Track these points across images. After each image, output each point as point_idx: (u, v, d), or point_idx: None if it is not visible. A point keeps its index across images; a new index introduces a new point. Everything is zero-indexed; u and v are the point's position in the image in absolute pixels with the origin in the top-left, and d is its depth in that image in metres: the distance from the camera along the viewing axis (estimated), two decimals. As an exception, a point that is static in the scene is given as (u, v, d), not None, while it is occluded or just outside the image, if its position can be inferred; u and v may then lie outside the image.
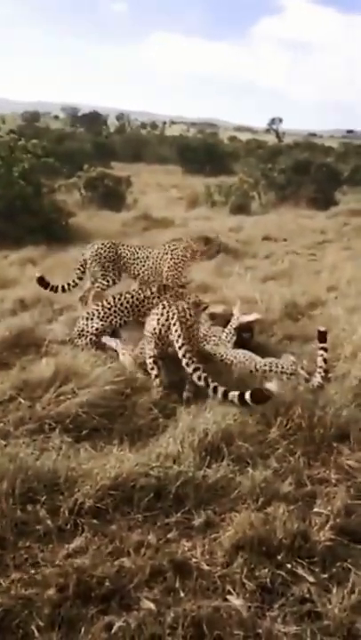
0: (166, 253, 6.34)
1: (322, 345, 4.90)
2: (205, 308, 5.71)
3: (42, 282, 6.34)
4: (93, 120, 57.27)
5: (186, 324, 4.46)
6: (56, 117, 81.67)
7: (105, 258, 6.38)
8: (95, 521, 3.05)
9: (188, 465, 3.41)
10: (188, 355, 4.29)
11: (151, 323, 4.59)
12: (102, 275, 6.32)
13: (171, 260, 6.26)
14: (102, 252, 6.40)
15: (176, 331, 4.38)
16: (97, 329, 5.42)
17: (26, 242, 9.88)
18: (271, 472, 3.47)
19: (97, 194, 14.67)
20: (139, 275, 6.38)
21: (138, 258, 6.39)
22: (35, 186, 11.25)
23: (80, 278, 6.40)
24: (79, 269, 6.46)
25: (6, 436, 3.71)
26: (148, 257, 6.38)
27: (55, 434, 3.75)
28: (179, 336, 4.35)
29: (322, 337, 4.91)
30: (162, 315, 4.52)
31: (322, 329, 4.97)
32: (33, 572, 2.74)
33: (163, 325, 4.49)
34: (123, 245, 6.54)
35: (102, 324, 5.43)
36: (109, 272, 6.33)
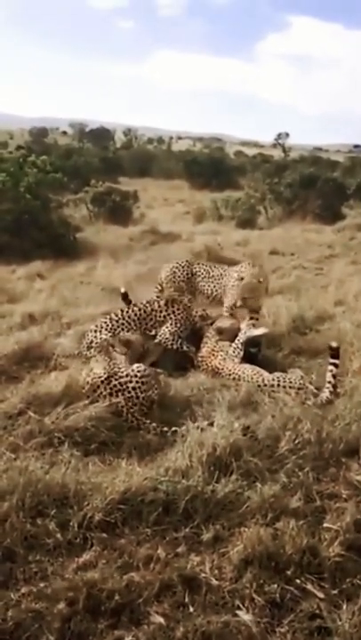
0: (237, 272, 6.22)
1: (332, 360, 4.92)
2: (212, 323, 5.76)
3: (125, 298, 6.42)
4: (101, 135, 57.86)
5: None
6: (64, 133, 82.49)
7: (179, 277, 6.43)
8: (104, 535, 3.07)
9: (197, 479, 3.42)
10: None
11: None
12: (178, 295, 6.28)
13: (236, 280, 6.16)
14: (177, 271, 6.46)
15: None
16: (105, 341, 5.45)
17: (34, 256, 9.97)
18: (280, 487, 3.48)
19: (104, 208, 14.76)
20: (212, 293, 6.39)
21: (212, 276, 6.41)
22: (42, 201, 11.36)
23: (158, 297, 6.30)
24: (156, 288, 6.57)
25: (16, 450, 3.74)
26: (221, 275, 6.38)
27: (64, 447, 3.78)
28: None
29: (334, 352, 4.94)
30: None
31: (334, 345, 5.00)
32: (43, 585, 2.75)
33: None
34: (198, 264, 6.59)
35: (110, 337, 5.46)
36: (184, 292, 6.31)
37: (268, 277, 6.38)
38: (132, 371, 4.57)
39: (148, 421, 4.27)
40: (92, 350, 5.31)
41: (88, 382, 4.51)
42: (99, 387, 4.44)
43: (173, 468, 3.53)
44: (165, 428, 4.17)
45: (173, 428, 4.12)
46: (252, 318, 5.88)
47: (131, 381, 4.47)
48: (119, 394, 4.40)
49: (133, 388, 4.44)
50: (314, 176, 18.13)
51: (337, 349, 4.97)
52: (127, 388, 4.43)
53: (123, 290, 6.57)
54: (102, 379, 4.47)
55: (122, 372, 4.55)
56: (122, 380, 4.47)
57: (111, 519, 3.14)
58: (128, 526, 3.15)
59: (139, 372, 4.56)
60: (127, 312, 5.76)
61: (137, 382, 4.47)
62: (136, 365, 4.68)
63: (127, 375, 4.52)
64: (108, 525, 3.13)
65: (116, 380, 4.46)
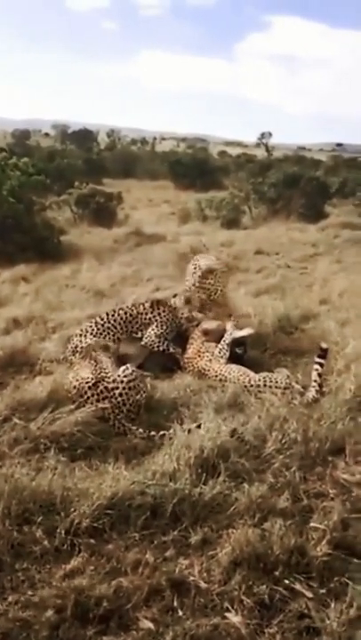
0: None
1: (318, 359, 4.95)
2: (198, 324, 5.76)
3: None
4: (84, 137, 57.56)
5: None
6: (47, 135, 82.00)
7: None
8: (92, 541, 3.06)
9: (185, 482, 3.42)
10: None
11: None
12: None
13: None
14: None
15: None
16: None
17: (18, 259, 9.91)
18: (267, 487, 3.49)
19: (88, 210, 14.70)
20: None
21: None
22: (26, 204, 11.28)
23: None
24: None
25: (1, 457, 3.71)
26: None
27: (50, 453, 3.76)
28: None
29: (323, 353, 4.97)
30: None
31: (324, 346, 5.04)
32: (30, 593, 2.73)
33: None
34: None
35: (96, 341, 5.45)
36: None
37: (228, 270, 6.40)
38: (119, 376, 4.55)
39: (134, 427, 4.26)
40: (78, 354, 5.30)
41: (75, 387, 4.50)
42: (86, 392, 4.42)
43: (161, 471, 3.53)
44: (152, 432, 4.16)
45: (161, 432, 4.12)
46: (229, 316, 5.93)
47: (117, 387, 4.45)
48: (106, 400, 4.38)
49: (120, 394, 4.42)
50: (297, 175, 18.22)
51: (326, 350, 5.01)
52: (114, 394, 4.42)
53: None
54: (89, 383, 4.45)
55: (109, 377, 4.53)
56: (109, 385, 4.46)
57: (99, 525, 3.13)
58: (116, 531, 3.14)
59: (125, 376, 4.55)
60: (113, 315, 5.75)
61: (124, 388, 4.46)
62: (123, 369, 4.66)
63: (114, 381, 4.50)
64: (96, 531, 3.11)
65: (103, 385, 4.45)
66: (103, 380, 4.47)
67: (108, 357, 5.04)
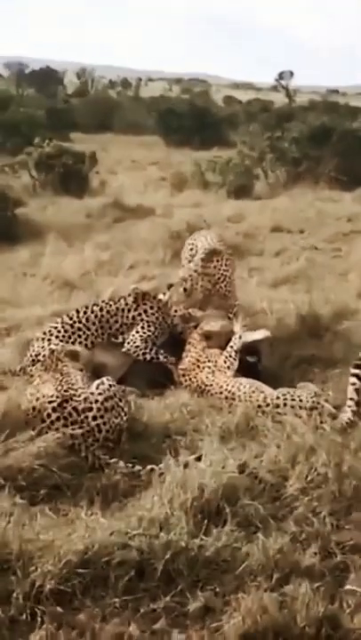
0: None
1: (355, 371, 4.96)
2: (197, 326, 5.77)
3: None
4: (46, 78, 57.44)
5: None
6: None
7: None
8: (59, 609, 3.05)
9: (180, 532, 3.42)
10: None
11: None
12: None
13: None
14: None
15: None
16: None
17: None
18: (289, 539, 3.49)
19: (52, 175, 14.68)
20: None
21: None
22: (-30, 167, 11.30)
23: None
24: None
25: None
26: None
27: (4, 494, 3.76)
28: None
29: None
30: None
31: None
32: None
33: None
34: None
35: (62, 347, 5.46)
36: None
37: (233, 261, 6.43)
38: (93, 393, 4.57)
39: (113, 460, 4.26)
40: (40, 364, 5.31)
41: (34, 407, 4.50)
42: (49, 414, 4.43)
43: (149, 517, 3.52)
44: (137, 467, 4.17)
45: (149, 467, 4.13)
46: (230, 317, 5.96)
47: (90, 408, 4.46)
48: (75, 425, 4.39)
49: (94, 418, 4.43)
50: (327, 127, 18.22)
51: None
52: (86, 417, 4.43)
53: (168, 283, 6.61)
54: (53, 403, 4.46)
55: (79, 395, 4.54)
56: (79, 406, 4.47)
57: (67, 588, 3.13)
58: (90, 596, 3.14)
59: (100, 393, 4.56)
60: (85, 313, 5.75)
61: (99, 409, 4.46)
62: (97, 383, 4.67)
63: (86, 399, 4.51)
64: (64, 596, 3.11)
65: (70, 405, 4.45)
66: (71, 399, 4.49)
67: (78, 369, 5.05)
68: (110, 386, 4.67)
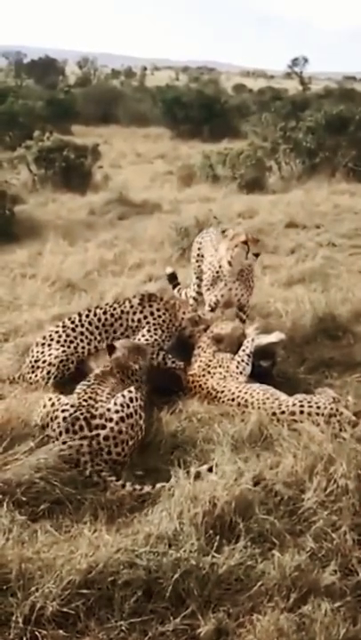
0: None
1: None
2: (207, 328, 5.76)
3: (173, 280, 6.98)
4: (46, 68, 57.78)
5: None
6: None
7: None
8: (61, 632, 3.05)
9: (190, 549, 3.41)
10: None
11: None
12: None
13: None
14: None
15: None
16: (57, 358, 5.44)
17: None
18: (307, 556, 3.48)
19: (53, 170, 14.71)
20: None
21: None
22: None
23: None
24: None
25: None
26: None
27: (3, 510, 3.75)
28: None
29: None
30: None
31: None
32: None
33: None
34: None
35: (64, 352, 5.46)
36: None
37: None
38: (109, 410, 4.48)
39: (120, 482, 4.18)
40: (40, 371, 5.32)
41: (47, 413, 4.50)
42: (59, 424, 4.39)
43: (157, 533, 3.52)
44: (144, 486, 4.14)
45: (159, 485, 4.10)
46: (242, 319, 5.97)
47: (104, 426, 4.41)
48: (84, 442, 4.34)
49: (106, 438, 4.38)
50: (345, 116, 18.19)
51: None
52: (97, 435, 4.36)
53: (169, 269, 7.10)
54: (65, 413, 4.42)
55: (95, 409, 4.50)
56: (92, 421, 4.42)
57: (70, 610, 3.12)
58: (94, 619, 3.14)
59: (117, 411, 4.47)
60: (88, 317, 5.75)
61: (112, 429, 4.41)
62: (121, 395, 4.60)
63: (101, 416, 4.45)
64: (66, 619, 3.11)
65: (83, 418, 4.40)
66: (87, 411, 4.44)
67: (113, 380, 5.02)
68: (132, 400, 4.59)
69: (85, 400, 4.55)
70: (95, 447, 4.34)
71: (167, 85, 44.60)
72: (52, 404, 4.54)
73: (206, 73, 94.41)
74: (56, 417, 4.45)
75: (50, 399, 4.62)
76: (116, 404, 4.54)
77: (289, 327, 6.34)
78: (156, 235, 10.51)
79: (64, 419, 4.41)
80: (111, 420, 4.44)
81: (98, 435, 4.37)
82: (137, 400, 4.62)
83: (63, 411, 4.45)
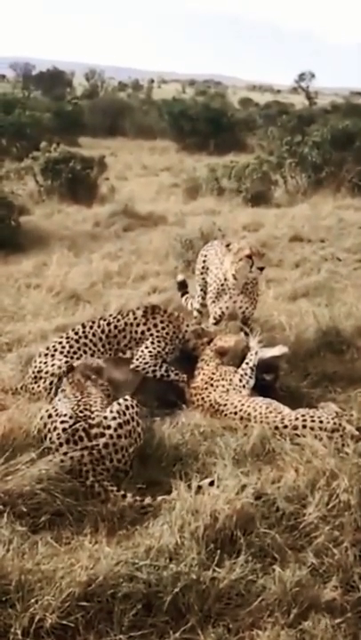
0: None
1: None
2: (211, 341, 5.75)
3: (183, 287, 7.10)
4: (54, 80, 58.08)
5: None
6: (2, 77, 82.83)
7: None
8: (60, 645, 3.04)
9: (191, 563, 3.39)
10: None
11: None
12: None
13: None
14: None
15: None
16: (60, 369, 5.44)
17: None
18: (308, 571, 3.46)
19: (59, 182, 14.76)
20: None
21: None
22: (-28, 172, 11.38)
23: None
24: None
25: None
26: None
27: (3, 521, 3.74)
28: None
29: None
30: None
31: None
32: None
33: None
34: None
35: (67, 363, 5.46)
36: None
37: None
38: (107, 418, 4.50)
39: (121, 492, 4.19)
40: (43, 381, 5.31)
41: (45, 425, 4.49)
42: (59, 435, 4.39)
43: (157, 547, 3.51)
44: (146, 499, 4.13)
45: (160, 498, 4.09)
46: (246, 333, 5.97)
47: (103, 434, 4.41)
48: (85, 451, 4.35)
49: (105, 445, 4.38)
50: (351, 131, 18.24)
51: None
52: (97, 444, 4.37)
53: (180, 277, 7.23)
54: (65, 424, 4.42)
55: (93, 419, 4.51)
56: (91, 430, 4.42)
57: (69, 622, 3.11)
58: (93, 632, 3.13)
59: (115, 418, 4.49)
60: (92, 328, 5.75)
61: (111, 436, 4.41)
62: (117, 403, 4.63)
63: (99, 425, 4.46)
64: (66, 631, 3.10)
65: (82, 428, 4.40)
66: (85, 422, 4.44)
67: (100, 388, 5.04)
68: (127, 407, 4.62)
69: (81, 411, 4.55)
70: (96, 456, 4.34)
71: (174, 98, 44.78)
72: (50, 416, 4.54)
73: (213, 86, 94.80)
74: (55, 428, 4.44)
75: (47, 410, 4.62)
76: (112, 411, 4.57)
77: (293, 341, 6.34)
78: (160, 247, 10.54)
79: (64, 430, 4.40)
80: (109, 427, 4.45)
81: (98, 443, 4.37)
82: (133, 407, 4.64)
83: (62, 422, 4.44)
